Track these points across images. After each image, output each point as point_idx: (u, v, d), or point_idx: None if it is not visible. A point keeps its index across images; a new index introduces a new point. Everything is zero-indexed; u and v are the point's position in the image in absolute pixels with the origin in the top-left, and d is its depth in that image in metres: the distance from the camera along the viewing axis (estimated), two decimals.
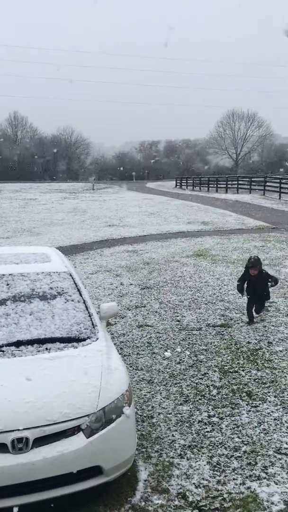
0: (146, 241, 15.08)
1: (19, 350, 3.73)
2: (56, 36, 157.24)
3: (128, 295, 8.81)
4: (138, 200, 32.14)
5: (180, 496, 3.54)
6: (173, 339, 6.60)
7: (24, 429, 3.09)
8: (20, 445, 3.07)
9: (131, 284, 9.58)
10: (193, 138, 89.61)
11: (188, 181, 50.16)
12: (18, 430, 3.07)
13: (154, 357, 6.00)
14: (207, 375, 5.50)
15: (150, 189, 46.62)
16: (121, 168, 73.54)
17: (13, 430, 3.07)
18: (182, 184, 50.76)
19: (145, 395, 5.03)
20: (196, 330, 6.95)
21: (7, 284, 4.44)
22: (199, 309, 7.92)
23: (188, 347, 6.30)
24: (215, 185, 42.43)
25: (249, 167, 76.29)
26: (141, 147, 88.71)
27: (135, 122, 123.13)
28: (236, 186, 39.64)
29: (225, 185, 41.10)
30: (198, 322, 7.29)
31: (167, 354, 6.06)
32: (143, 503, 3.45)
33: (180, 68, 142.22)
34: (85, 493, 3.32)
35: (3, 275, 4.57)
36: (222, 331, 6.88)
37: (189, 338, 6.62)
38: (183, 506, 3.44)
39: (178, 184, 51.85)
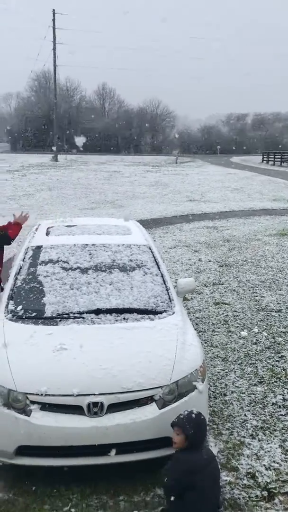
0: (227, 218, 14.78)
1: (98, 318, 3.86)
2: (144, 5, 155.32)
3: (206, 271, 8.74)
4: (221, 174, 31.45)
5: (249, 476, 3.52)
6: (251, 319, 6.47)
7: (100, 394, 3.21)
8: (95, 409, 3.20)
9: (209, 261, 9.48)
10: (284, 111, 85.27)
11: (275, 156, 48.03)
12: (94, 394, 3.20)
13: (230, 335, 5.93)
14: (284, 358, 5.35)
15: (235, 163, 45.36)
16: (206, 141, 72.16)
17: (89, 394, 3.20)
18: (269, 159, 48.72)
19: (218, 372, 5.01)
20: (276, 311, 6.75)
21: (90, 254, 4.58)
22: (280, 290, 7.67)
23: (266, 328, 6.15)
24: None
25: None
26: (227, 120, 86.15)
27: (223, 95, 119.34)
28: None
29: None
30: (278, 303, 7.07)
31: (244, 333, 5.96)
32: None
33: (270, 37, 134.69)
34: (153, 462, 3.40)
35: (87, 245, 4.72)
36: None
37: (267, 319, 6.45)
38: (252, 486, 3.42)
39: (264, 159, 49.86)
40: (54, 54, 47.87)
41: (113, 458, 3.27)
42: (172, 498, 2.92)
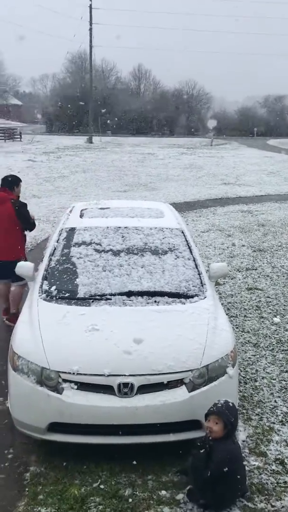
0: (262, 202, 14.50)
1: (130, 300, 3.88)
2: None
3: (239, 256, 8.63)
4: (257, 157, 30.78)
5: (278, 462, 3.51)
6: (284, 305, 6.37)
7: (130, 375, 3.25)
8: (126, 389, 3.25)
9: (243, 246, 9.35)
10: None
11: None
12: (124, 375, 3.24)
13: (262, 321, 5.87)
14: None
15: (272, 146, 44.29)
16: (242, 123, 70.61)
17: (119, 375, 3.24)
18: None
19: (249, 357, 4.98)
20: None
21: (122, 237, 4.60)
22: None
23: None
24: None
25: None
26: (265, 101, 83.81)
27: (261, 75, 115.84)
28: None
29: None
30: None
31: (276, 320, 5.88)
32: None
33: None
34: (181, 444, 3.43)
35: (119, 227, 4.74)
36: None
37: None
38: (280, 472, 3.41)
39: None
40: (91, 34, 47.45)
41: (142, 438, 3.32)
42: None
